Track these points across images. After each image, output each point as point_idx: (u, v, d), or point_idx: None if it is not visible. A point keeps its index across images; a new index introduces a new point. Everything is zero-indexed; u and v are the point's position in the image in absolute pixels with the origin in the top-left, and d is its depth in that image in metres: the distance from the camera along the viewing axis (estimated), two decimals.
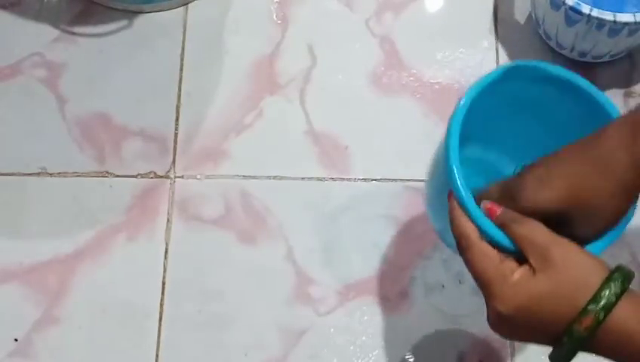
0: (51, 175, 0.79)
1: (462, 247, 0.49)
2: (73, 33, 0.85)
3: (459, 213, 0.49)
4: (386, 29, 0.86)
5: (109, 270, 0.76)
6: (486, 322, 0.73)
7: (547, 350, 0.72)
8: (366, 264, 0.76)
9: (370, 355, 0.72)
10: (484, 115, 0.54)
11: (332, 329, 0.73)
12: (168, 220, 0.78)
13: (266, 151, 0.80)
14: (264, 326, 0.74)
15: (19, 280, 0.75)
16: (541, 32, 0.83)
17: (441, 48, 0.85)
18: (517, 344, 0.72)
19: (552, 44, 0.83)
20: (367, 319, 0.74)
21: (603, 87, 0.82)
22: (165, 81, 0.83)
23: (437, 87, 0.83)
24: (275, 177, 0.79)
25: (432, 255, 0.76)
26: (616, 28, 0.74)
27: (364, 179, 0.79)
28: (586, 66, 0.83)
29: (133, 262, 0.76)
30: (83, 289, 0.75)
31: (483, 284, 0.47)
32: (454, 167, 0.50)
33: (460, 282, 0.75)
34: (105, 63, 0.84)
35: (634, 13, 0.73)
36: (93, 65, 0.84)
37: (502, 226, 0.48)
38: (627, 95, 0.82)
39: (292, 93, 0.83)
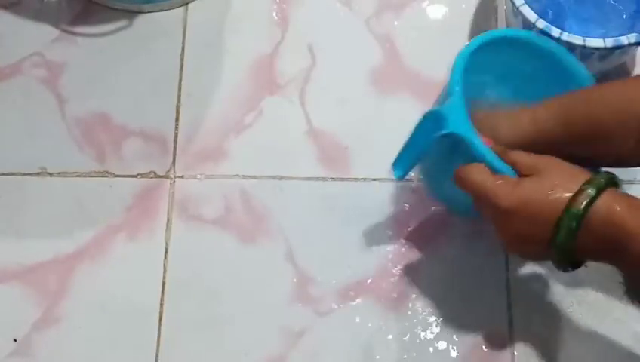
0: (51, 175, 0.79)
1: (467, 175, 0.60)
2: (73, 33, 0.86)
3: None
4: (386, 28, 0.86)
5: (109, 270, 0.76)
6: (485, 322, 0.73)
7: (548, 352, 0.72)
8: (366, 264, 0.76)
9: (371, 355, 0.72)
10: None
11: (332, 329, 0.73)
12: (168, 220, 0.78)
13: (266, 151, 0.80)
14: (264, 326, 0.74)
15: (19, 280, 0.75)
16: None
17: (441, 47, 0.85)
18: (517, 344, 0.72)
19: None
20: (367, 319, 0.74)
21: None
22: (165, 81, 0.83)
23: (437, 86, 0.83)
24: (275, 177, 0.79)
25: (431, 255, 0.76)
26: (586, 52, 0.74)
27: (364, 179, 0.79)
28: None
29: (133, 262, 0.76)
30: (83, 289, 0.75)
31: (486, 192, 0.57)
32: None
33: None
34: (105, 63, 0.84)
35: (603, 38, 0.72)
36: (93, 65, 0.84)
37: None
38: None
39: (292, 93, 0.83)
